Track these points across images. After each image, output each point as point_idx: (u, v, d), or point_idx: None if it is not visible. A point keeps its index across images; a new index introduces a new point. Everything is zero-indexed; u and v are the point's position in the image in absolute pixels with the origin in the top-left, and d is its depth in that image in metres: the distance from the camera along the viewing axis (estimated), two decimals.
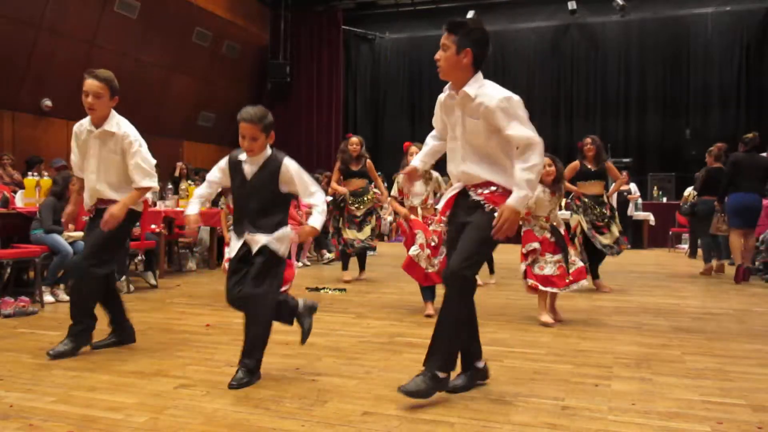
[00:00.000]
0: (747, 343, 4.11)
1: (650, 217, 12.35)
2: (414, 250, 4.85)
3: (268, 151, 3.18)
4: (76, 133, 3.76)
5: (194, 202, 3.36)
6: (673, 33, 13.98)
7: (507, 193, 2.75)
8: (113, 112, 3.68)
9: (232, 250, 3.23)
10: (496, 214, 2.71)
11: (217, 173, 3.31)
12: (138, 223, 4.67)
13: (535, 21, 14.75)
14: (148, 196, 4.12)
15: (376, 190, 7.21)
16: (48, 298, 5.45)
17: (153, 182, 3.73)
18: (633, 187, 12.22)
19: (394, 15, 15.72)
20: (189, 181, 9.00)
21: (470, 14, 14.41)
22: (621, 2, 13.36)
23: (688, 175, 12.24)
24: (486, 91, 2.77)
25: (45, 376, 3.22)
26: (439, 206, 3.08)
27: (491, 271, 6.98)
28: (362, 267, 7.36)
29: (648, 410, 2.75)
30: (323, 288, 6.39)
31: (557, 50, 14.67)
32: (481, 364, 3.04)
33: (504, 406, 2.77)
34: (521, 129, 2.71)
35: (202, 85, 13.73)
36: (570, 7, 13.72)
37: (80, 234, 5.76)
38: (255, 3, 14.73)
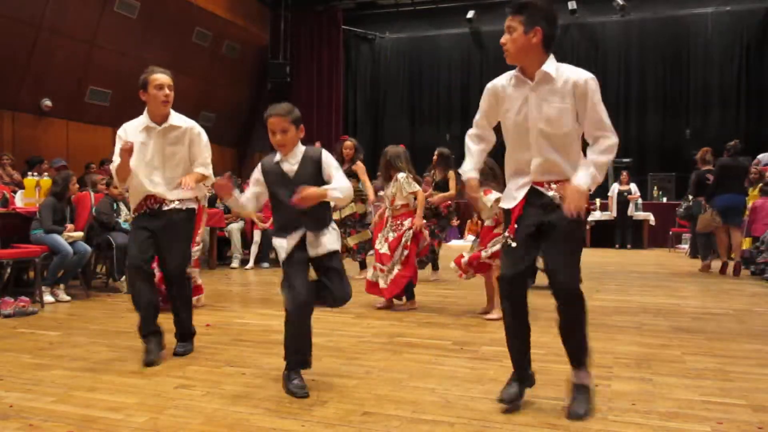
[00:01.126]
0: (747, 343, 4.11)
1: (650, 217, 12.35)
2: (371, 275, 5.33)
3: (302, 146, 3.12)
4: (126, 133, 3.65)
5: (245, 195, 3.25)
6: (673, 33, 13.97)
7: None
8: (172, 110, 3.72)
9: (281, 251, 3.08)
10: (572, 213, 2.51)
11: (254, 188, 3.19)
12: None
13: None
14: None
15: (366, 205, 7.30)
16: (48, 298, 5.45)
17: (211, 171, 3.83)
18: (633, 187, 12.23)
19: (394, 15, 15.71)
20: None
21: (470, 14, 14.45)
22: (621, 2, 13.37)
23: (688, 175, 12.22)
24: (568, 69, 2.59)
25: (45, 376, 3.22)
26: (507, 205, 2.73)
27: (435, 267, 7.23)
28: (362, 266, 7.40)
29: (648, 410, 2.75)
30: None
31: (557, 50, 14.53)
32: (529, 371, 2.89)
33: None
34: (604, 114, 2.55)
35: (202, 85, 13.72)
36: (570, 7, 13.72)
37: (80, 234, 5.78)
38: (255, 3, 14.72)
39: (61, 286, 5.65)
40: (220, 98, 14.35)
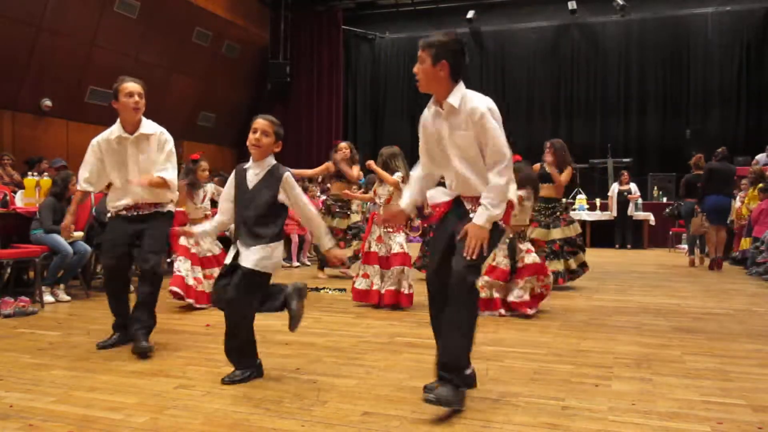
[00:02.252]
0: (747, 343, 4.11)
1: (650, 217, 12.34)
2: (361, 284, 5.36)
3: (273, 160, 3.21)
4: (99, 145, 3.81)
5: (210, 224, 3.39)
6: (673, 33, 13.98)
7: None
8: (143, 117, 3.82)
9: (228, 256, 3.21)
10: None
11: (227, 189, 3.30)
12: None
13: (535, 21, 14.76)
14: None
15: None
16: (48, 298, 5.45)
17: (174, 177, 3.86)
18: (633, 187, 12.21)
19: (394, 15, 15.72)
20: None
21: (470, 14, 14.45)
22: (621, 2, 13.37)
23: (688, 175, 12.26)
24: (471, 99, 2.76)
25: (45, 376, 3.22)
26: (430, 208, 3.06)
27: None
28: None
29: (648, 410, 2.75)
30: (323, 288, 6.39)
31: (557, 50, 14.66)
32: (468, 371, 2.84)
33: (504, 406, 2.77)
34: (501, 140, 2.71)
35: (202, 85, 13.73)
36: (570, 7, 13.73)
37: (80, 234, 5.77)
38: (255, 3, 14.73)
39: (61, 286, 5.64)
40: (220, 98, 14.35)
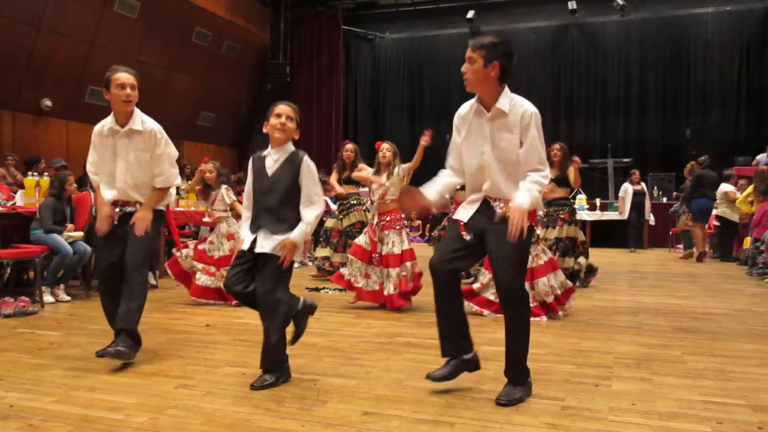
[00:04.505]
0: (747, 343, 4.11)
1: (650, 217, 12.31)
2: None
3: (292, 146, 3.18)
4: (97, 134, 3.67)
5: (244, 228, 3.26)
6: (673, 33, 13.97)
7: None
8: (137, 110, 3.64)
9: (245, 243, 3.13)
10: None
11: (248, 181, 3.25)
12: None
13: (535, 21, 14.75)
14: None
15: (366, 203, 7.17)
16: (48, 298, 5.45)
17: (177, 180, 3.75)
18: (644, 186, 12.11)
19: (394, 15, 15.71)
20: (189, 182, 8.98)
21: (470, 14, 14.45)
22: (621, 2, 13.36)
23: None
24: (520, 103, 2.82)
25: (45, 376, 3.22)
26: (462, 217, 2.93)
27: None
28: None
29: (648, 410, 2.75)
30: (323, 288, 6.39)
31: (557, 50, 14.66)
32: (468, 356, 2.99)
33: (504, 407, 2.77)
34: (543, 147, 2.80)
35: (202, 85, 13.72)
36: (570, 7, 13.72)
37: (80, 234, 5.77)
38: (255, 3, 14.72)
39: (61, 286, 5.64)
40: (220, 98, 14.35)
